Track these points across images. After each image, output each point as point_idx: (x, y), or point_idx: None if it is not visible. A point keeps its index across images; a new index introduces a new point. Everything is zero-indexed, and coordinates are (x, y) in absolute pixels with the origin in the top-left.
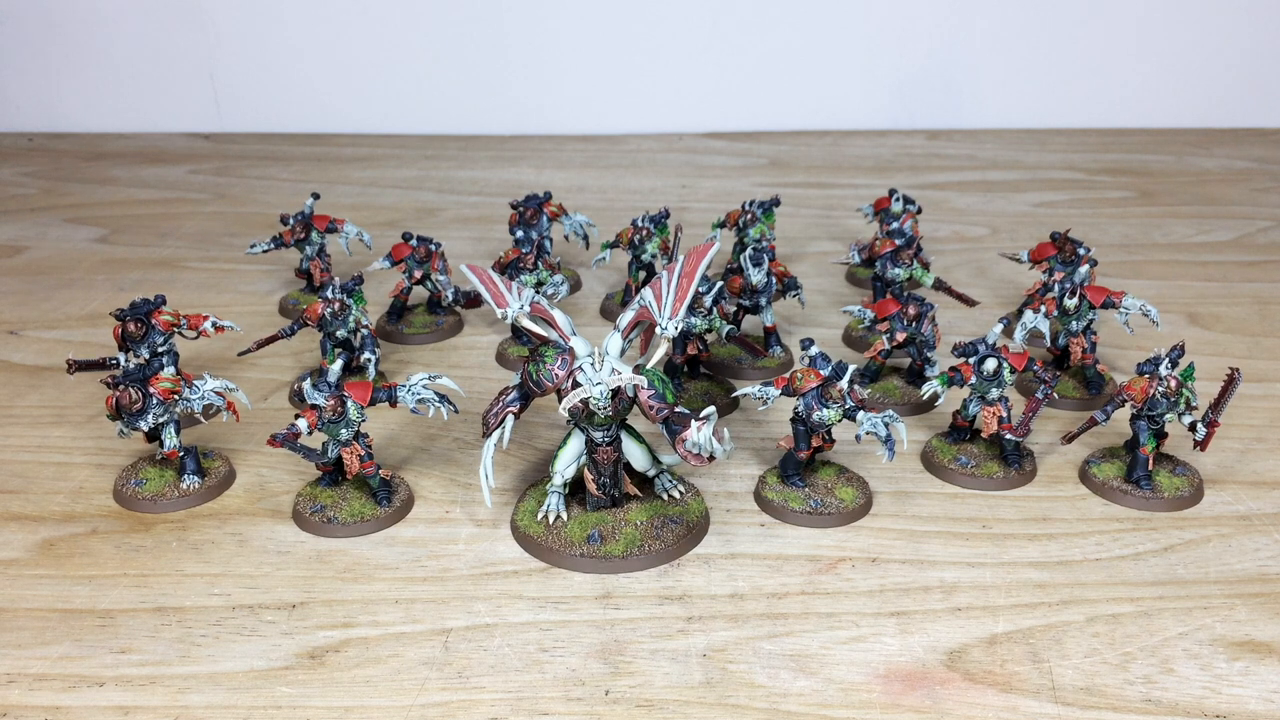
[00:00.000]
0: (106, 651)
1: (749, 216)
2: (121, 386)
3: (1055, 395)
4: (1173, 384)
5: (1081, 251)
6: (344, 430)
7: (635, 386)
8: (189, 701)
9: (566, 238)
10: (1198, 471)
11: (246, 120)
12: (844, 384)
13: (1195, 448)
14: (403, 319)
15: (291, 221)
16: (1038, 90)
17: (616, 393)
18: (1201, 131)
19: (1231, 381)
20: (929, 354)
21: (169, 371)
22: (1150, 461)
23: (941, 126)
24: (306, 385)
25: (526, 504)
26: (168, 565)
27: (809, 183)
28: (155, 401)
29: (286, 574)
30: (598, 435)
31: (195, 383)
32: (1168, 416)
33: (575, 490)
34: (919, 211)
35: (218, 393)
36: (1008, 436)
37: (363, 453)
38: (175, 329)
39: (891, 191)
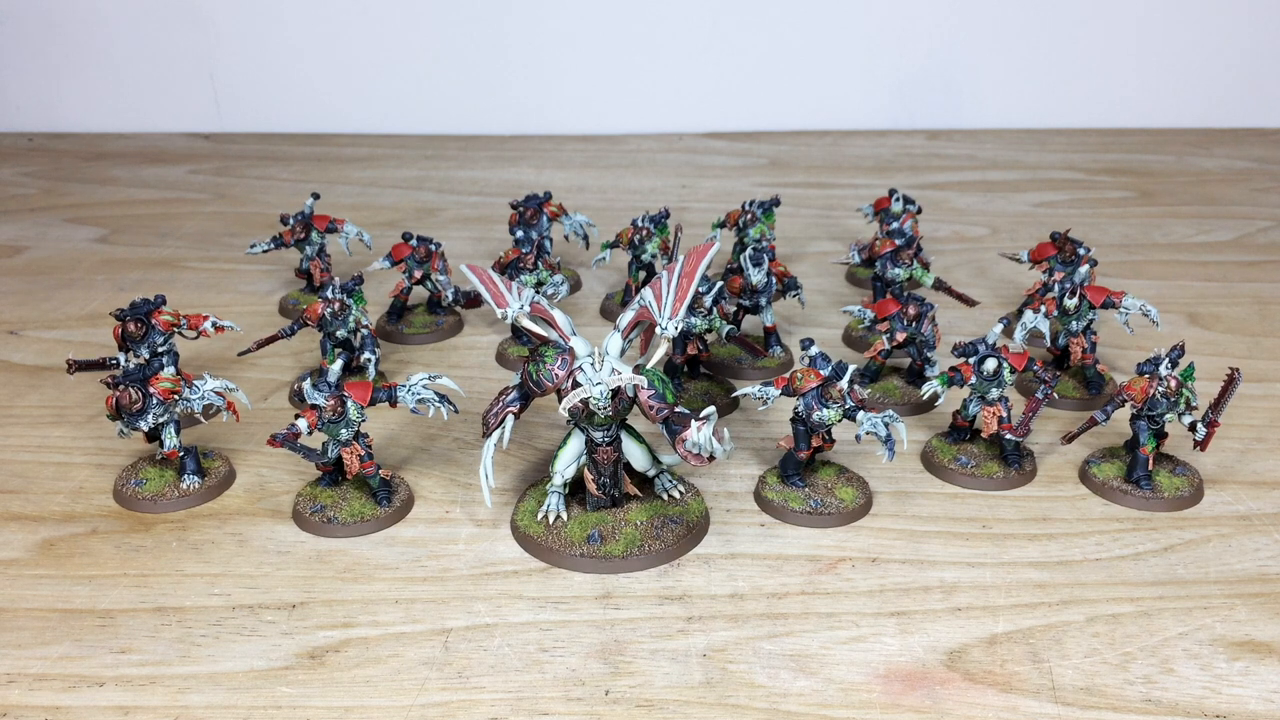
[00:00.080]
0: (106, 651)
1: (749, 216)
2: (121, 386)
3: (1055, 395)
4: (1173, 384)
5: (1081, 251)
6: (344, 430)
7: (635, 386)
8: (189, 701)
9: (566, 238)
10: (1198, 471)
11: (246, 120)
12: (844, 384)
13: (1195, 448)
14: (403, 319)
15: (291, 221)
16: (1038, 90)
17: (616, 393)
18: (1201, 131)
19: (1231, 381)
20: (929, 354)
21: (169, 371)
22: (1150, 461)
23: (941, 126)
24: (306, 385)
25: (526, 504)
26: (168, 565)
27: (809, 183)
28: (155, 401)
29: (286, 574)
30: (598, 435)
31: (195, 383)
32: (1168, 416)
33: (575, 490)
34: (919, 211)
35: (218, 393)
36: (1008, 436)
37: (363, 453)
38: (175, 329)
39: (891, 191)
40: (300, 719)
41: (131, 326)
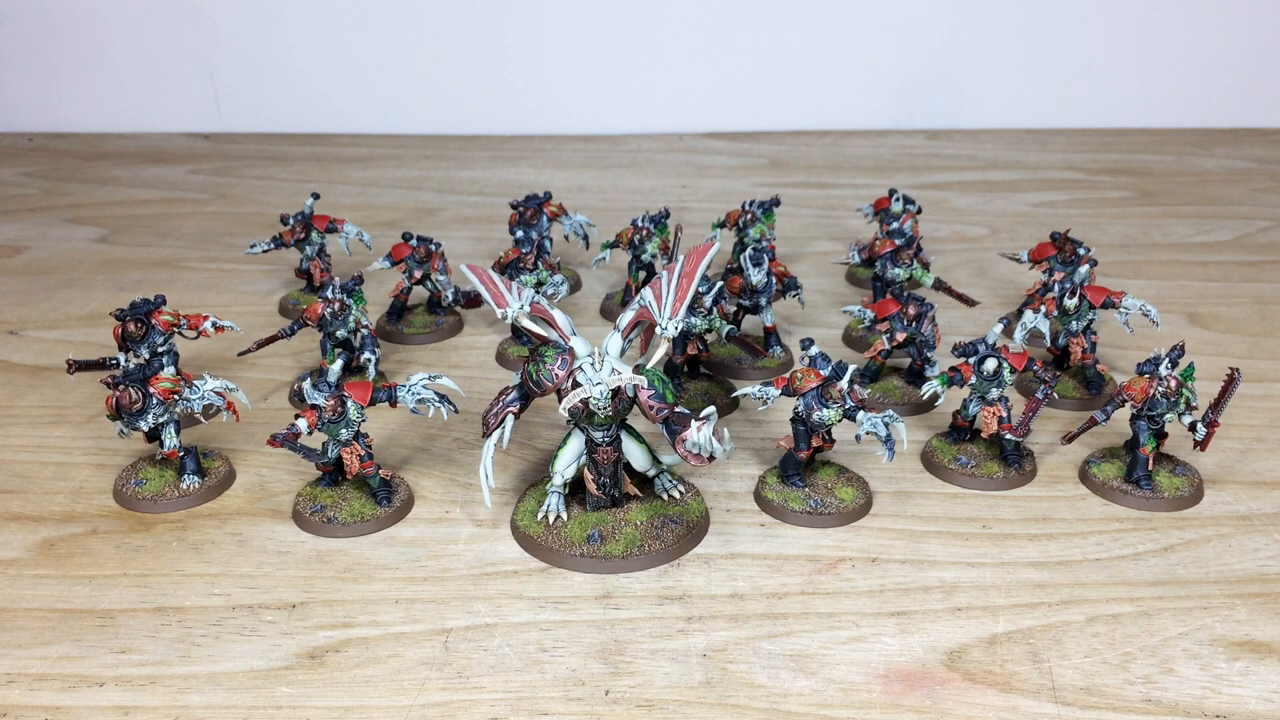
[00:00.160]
0: (106, 651)
1: (749, 216)
2: (121, 386)
3: (1055, 395)
4: (1173, 384)
5: (1081, 251)
6: (344, 430)
7: (635, 386)
8: (189, 701)
9: (566, 238)
10: (1198, 471)
11: (246, 120)
12: (844, 384)
13: (1195, 448)
14: (403, 319)
15: (291, 221)
16: (1038, 90)
17: (616, 393)
18: (1201, 131)
19: (1231, 381)
20: (929, 354)
21: (169, 371)
22: (1150, 461)
23: (941, 126)
24: (306, 385)
25: (526, 504)
26: (168, 565)
27: (809, 183)
28: (155, 401)
29: (286, 574)
30: (598, 435)
31: (195, 383)
32: (1168, 416)
33: (575, 490)
34: (919, 211)
35: (218, 393)
36: (1008, 436)
37: (363, 453)
38: (175, 329)
39: (891, 191)
40: (300, 719)
41: (131, 326)
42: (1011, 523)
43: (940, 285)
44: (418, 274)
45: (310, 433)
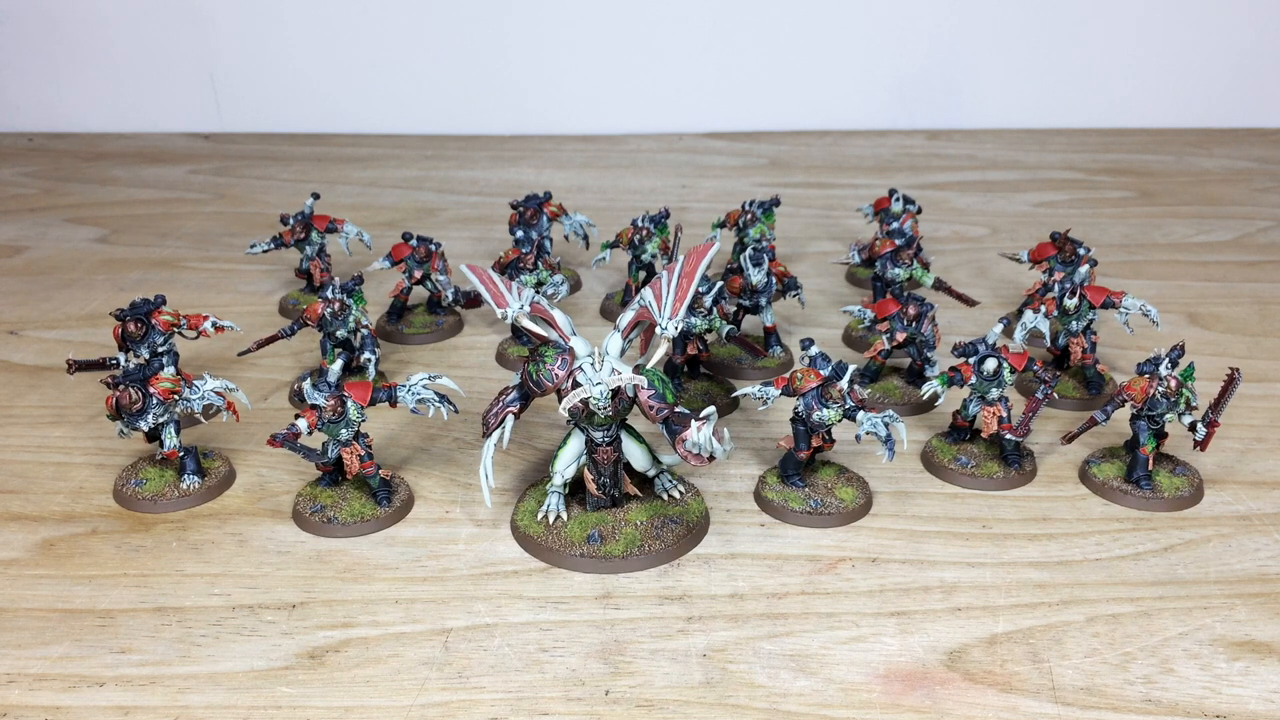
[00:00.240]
0: (106, 651)
1: (749, 216)
2: (121, 386)
3: (1055, 395)
4: (1173, 384)
5: (1081, 251)
6: (344, 430)
7: (635, 386)
8: (189, 701)
9: (566, 238)
10: (1198, 471)
11: (246, 120)
12: (844, 384)
13: (1195, 448)
14: (403, 319)
15: (291, 221)
16: (1038, 90)
17: (616, 393)
18: (1201, 131)
19: (1231, 381)
20: (929, 354)
21: (169, 371)
22: (1150, 461)
23: (941, 126)
24: (306, 385)
25: (526, 504)
26: (168, 565)
27: (809, 183)
28: (155, 401)
29: (286, 574)
30: (598, 435)
31: (195, 383)
32: (1168, 416)
33: (575, 490)
34: (919, 211)
35: (218, 393)
36: (1008, 436)
37: (363, 453)
38: (175, 329)
39: (891, 191)
40: (300, 719)
41: (131, 326)
42: (1011, 523)
43: (940, 285)
44: (418, 274)
45: (310, 433)
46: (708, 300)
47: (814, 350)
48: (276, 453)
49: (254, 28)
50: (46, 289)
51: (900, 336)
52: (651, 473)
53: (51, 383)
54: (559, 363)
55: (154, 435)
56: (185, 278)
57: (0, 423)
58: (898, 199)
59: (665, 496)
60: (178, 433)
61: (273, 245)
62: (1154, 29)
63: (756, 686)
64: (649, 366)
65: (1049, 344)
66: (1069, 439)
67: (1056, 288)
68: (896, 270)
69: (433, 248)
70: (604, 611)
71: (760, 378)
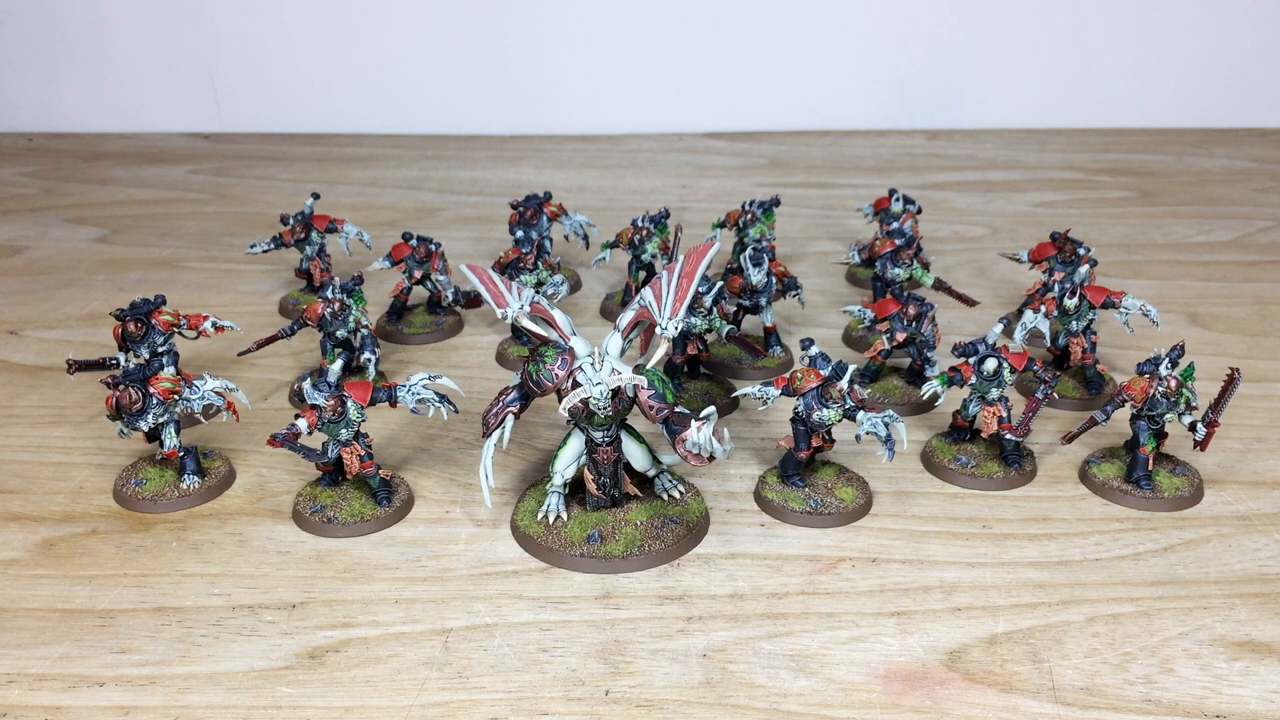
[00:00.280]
0: (106, 651)
1: (749, 216)
2: (121, 386)
3: (1055, 395)
4: (1173, 384)
5: (1081, 251)
6: (344, 430)
7: (635, 386)
8: (189, 701)
9: (566, 238)
10: (1198, 471)
11: (246, 120)
12: (844, 384)
13: (1195, 448)
14: (403, 319)
15: (291, 221)
16: (1038, 90)
17: (616, 393)
18: (1201, 131)
19: (1231, 381)
20: (929, 354)
21: (169, 371)
22: (1150, 461)
23: (941, 126)
24: (306, 385)
25: (526, 504)
26: (168, 565)
27: (809, 183)
28: (155, 401)
29: (286, 574)
30: (598, 435)
31: (195, 383)
32: (1168, 416)
33: (575, 490)
34: (919, 211)
35: (218, 393)
36: (1008, 436)
37: (363, 453)
38: (175, 329)
39: (891, 191)
40: (300, 719)
41: (131, 326)
42: (1011, 523)
43: (940, 285)
44: (418, 274)
45: (310, 433)
46: (708, 300)
47: (814, 350)
48: (276, 453)
49: (254, 28)
50: (46, 289)
51: (900, 336)
52: (651, 473)
53: (51, 383)
54: (559, 363)
55: (154, 435)
56: (185, 278)
57: (0, 423)
58: (898, 199)
59: (665, 496)
60: (178, 433)
61: (273, 245)
62: (1154, 29)
63: (756, 686)
64: (649, 366)
65: (1049, 344)
66: (1069, 439)
67: (1056, 288)
68: (896, 270)
69: (433, 248)
70: (604, 611)
71: (760, 378)
